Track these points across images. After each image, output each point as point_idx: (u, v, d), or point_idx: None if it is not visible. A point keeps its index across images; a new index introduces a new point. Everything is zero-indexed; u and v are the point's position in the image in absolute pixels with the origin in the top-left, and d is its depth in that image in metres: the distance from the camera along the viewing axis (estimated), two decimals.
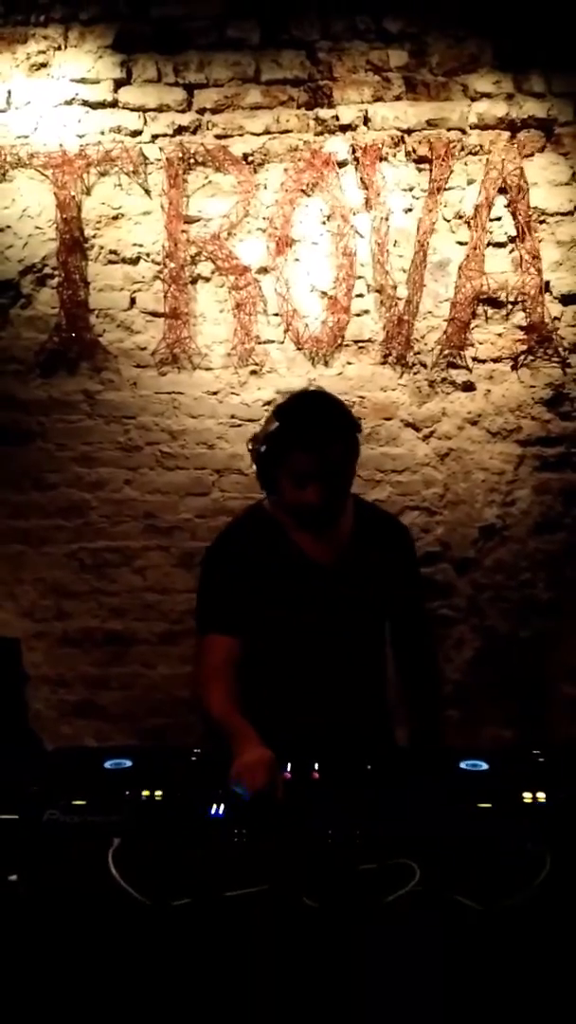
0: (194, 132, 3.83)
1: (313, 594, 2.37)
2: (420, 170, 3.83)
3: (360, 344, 3.89)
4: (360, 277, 3.86)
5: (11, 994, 1.56)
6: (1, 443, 3.96)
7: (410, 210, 3.84)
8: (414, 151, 3.81)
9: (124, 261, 3.89)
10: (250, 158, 3.83)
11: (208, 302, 3.89)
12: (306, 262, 3.86)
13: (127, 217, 3.87)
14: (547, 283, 3.86)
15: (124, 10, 3.80)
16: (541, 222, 3.84)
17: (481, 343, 3.88)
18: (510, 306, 3.87)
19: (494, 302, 3.87)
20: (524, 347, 3.87)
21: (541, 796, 1.95)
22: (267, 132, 3.82)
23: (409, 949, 1.55)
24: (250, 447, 2.37)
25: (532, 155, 3.82)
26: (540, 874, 1.68)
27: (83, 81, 3.82)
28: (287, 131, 3.82)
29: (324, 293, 3.87)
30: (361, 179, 3.83)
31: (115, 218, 3.87)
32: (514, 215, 3.82)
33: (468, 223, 3.83)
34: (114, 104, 3.83)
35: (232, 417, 3.90)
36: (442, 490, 3.94)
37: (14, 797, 1.96)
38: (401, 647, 2.57)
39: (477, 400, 3.90)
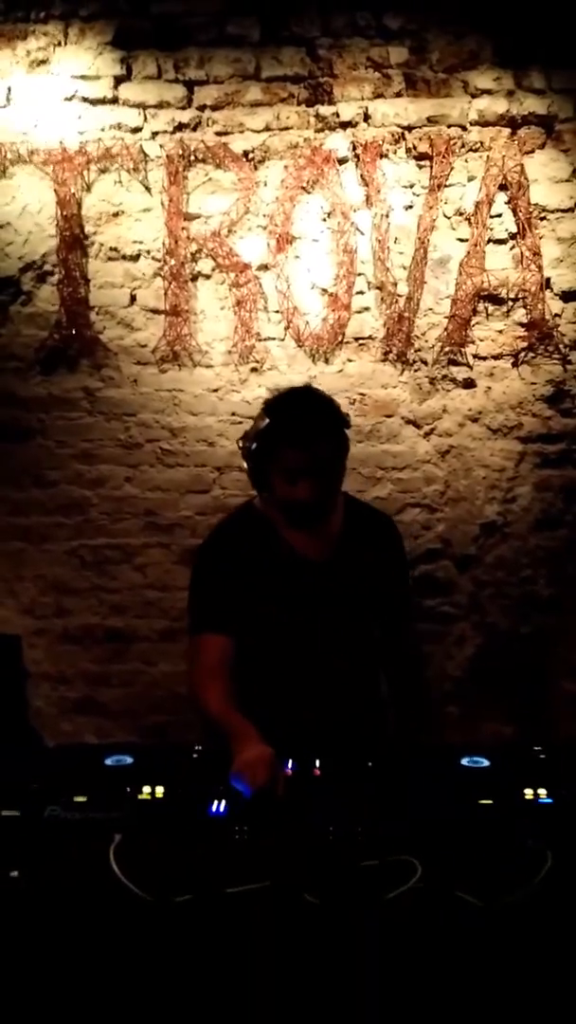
0: (194, 129, 3.83)
1: (304, 591, 2.38)
2: (420, 167, 3.83)
3: (361, 341, 3.89)
4: (361, 274, 3.85)
5: (14, 990, 1.56)
6: (1, 440, 3.96)
7: (411, 207, 3.84)
8: (414, 148, 3.81)
9: (124, 258, 3.89)
10: (250, 155, 3.82)
11: (209, 299, 3.89)
12: (307, 259, 3.86)
13: (127, 214, 3.87)
14: (548, 280, 3.85)
15: (124, 6, 3.80)
16: (542, 219, 3.83)
17: (482, 340, 3.88)
18: (511, 303, 3.87)
19: (495, 299, 3.86)
20: (525, 344, 3.86)
21: (542, 793, 1.96)
22: (267, 129, 3.82)
23: (410, 945, 1.55)
24: (240, 445, 2.37)
25: (532, 152, 3.82)
26: (541, 870, 1.68)
27: (83, 78, 3.82)
28: (287, 128, 3.82)
29: (325, 290, 3.86)
30: (361, 176, 3.82)
31: (115, 215, 3.87)
32: (515, 212, 3.82)
33: (469, 220, 3.83)
34: (114, 101, 3.83)
35: (233, 414, 3.90)
36: (443, 487, 3.94)
37: (15, 794, 1.96)
38: (384, 643, 2.57)
39: (478, 397, 3.90)
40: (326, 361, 3.88)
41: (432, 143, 3.79)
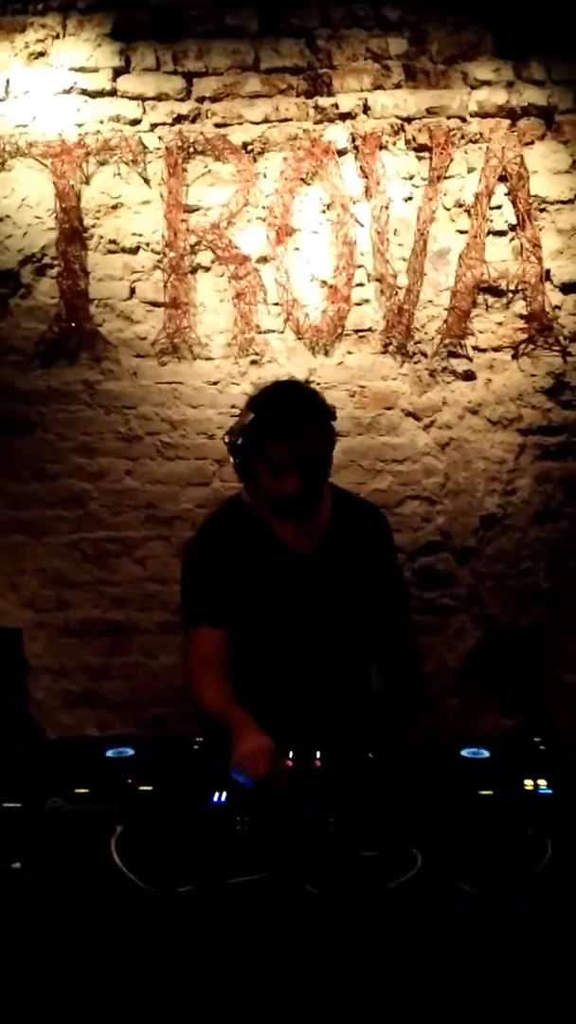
0: (193, 121, 3.82)
1: (294, 583, 2.38)
2: (420, 158, 3.82)
3: (360, 333, 3.88)
4: (360, 266, 3.85)
5: (16, 981, 1.57)
6: (1, 433, 3.96)
7: (410, 199, 3.83)
8: (414, 139, 3.80)
9: (124, 251, 3.89)
10: (249, 147, 3.82)
11: (208, 292, 3.89)
12: (306, 251, 3.85)
13: (126, 206, 3.86)
14: (547, 271, 3.85)
15: None
16: (541, 210, 3.83)
17: (482, 332, 3.88)
18: (510, 295, 3.86)
19: (494, 291, 3.86)
20: (525, 336, 3.86)
21: (542, 783, 1.96)
22: (266, 121, 3.81)
23: (410, 935, 1.56)
24: (226, 440, 2.37)
25: (532, 143, 3.81)
26: (541, 861, 1.68)
27: (82, 70, 3.81)
28: (286, 120, 3.81)
29: (324, 282, 3.86)
30: (361, 168, 3.82)
31: (114, 207, 3.86)
32: (514, 203, 3.81)
33: (468, 212, 3.82)
34: (113, 93, 3.82)
35: (232, 407, 3.90)
36: (443, 479, 3.94)
37: (17, 785, 1.97)
38: (379, 634, 2.57)
39: (478, 389, 3.90)
40: (326, 353, 3.88)
41: (432, 134, 3.79)
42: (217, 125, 3.82)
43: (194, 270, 3.87)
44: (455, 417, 3.91)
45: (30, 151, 3.82)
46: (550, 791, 1.94)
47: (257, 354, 3.88)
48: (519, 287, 3.85)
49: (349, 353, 3.89)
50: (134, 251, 3.88)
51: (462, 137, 3.80)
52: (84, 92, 3.82)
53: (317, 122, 3.81)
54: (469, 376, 3.89)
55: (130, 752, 2.17)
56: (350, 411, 3.88)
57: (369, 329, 3.88)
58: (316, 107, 3.81)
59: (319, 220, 3.84)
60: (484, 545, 3.97)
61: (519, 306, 3.86)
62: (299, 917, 1.57)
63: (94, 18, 3.80)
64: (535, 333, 3.85)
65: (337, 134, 3.81)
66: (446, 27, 3.78)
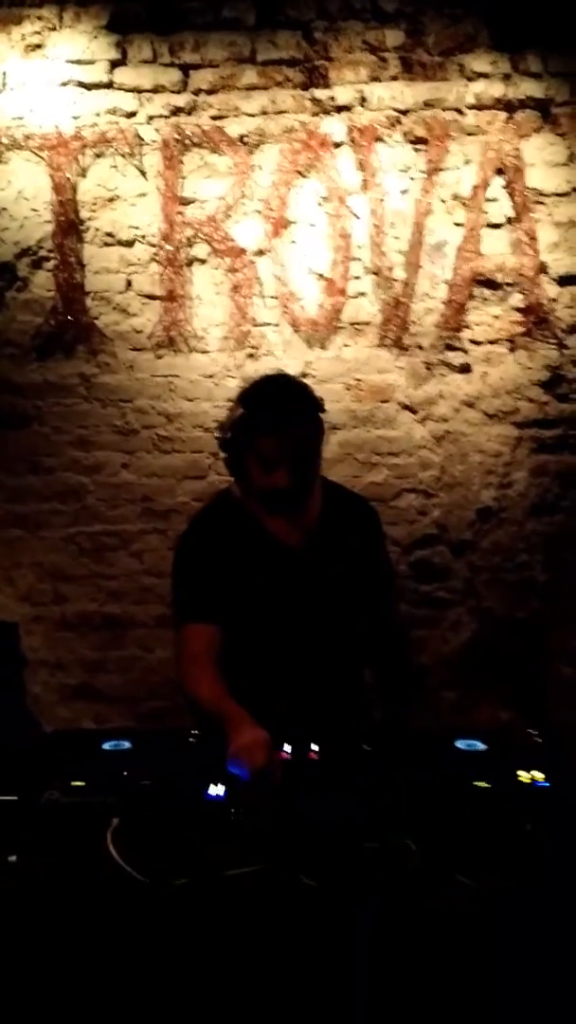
0: (190, 113, 3.81)
1: (285, 577, 2.38)
2: (417, 151, 3.82)
3: (357, 326, 3.88)
4: (357, 259, 3.85)
5: (12, 973, 1.57)
6: None
7: (407, 191, 3.83)
8: (411, 132, 3.80)
9: (120, 243, 3.88)
10: (246, 139, 3.81)
11: (204, 284, 3.88)
12: (302, 244, 3.85)
13: (123, 199, 3.85)
14: (544, 264, 3.85)
15: None
16: (538, 203, 3.83)
17: (478, 325, 3.88)
18: (507, 288, 3.86)
19: (491, 284, 3.86)
20: (521, 329, 3.86)
21: (538, 776, 1.96)
22: (263, 113, 3.80)
23: (406, 928, 1.56)
24: (216, 435, 2.37)
25: (529, 135, 3.81)
26: (537, 853, 1.69)
27: (78, 62, 3.80)
28: (283, 112, 3.80)
29: (321, 275, 3.86)
30: (358, 160, 3.81)
31: (111, 200, 3.86)
32: (511, 196, 3.81)
33: (465, 204, 3.82)
34: (109, 85, 3.81)
35: (228, 400, 3.82)
36: (439, 472, 3.94)
37: (13, 778, 1.97)
38: (370, 626, 2.57)
39: (474, 382, 3.90)
40: (322, 346, 3.88)
41: (428, 127, 3.78)
42: (213, 117, 3.81)
43: (190, 263, 3.87)
44: (451, 410, 3.91)
45: (26, 143, 3.81)
46: (546, 783, 1.94)
47: (253, 347, 3.87)
48: (516, 280, 3.84)
49: (345, 346, 3.89)
50: (130, 244, 3.88)
51: (459, 130, 3.80)
52: (80, 84, 3.81)
53: (314, 114, 3.80)
54: (465, 369, 3.89)
55: (127, 745, 2.17)
56: (346, 404, 3.88)
57: (366, 322, 3.88)
58: (313, 99, 3.80)
59: (316, 213, 3.84)
60: (480, 538, 3.97)
61: (516, 299, 3.86)
62: (295, 909, 1.58)
63: (90, 10, 3.79)
64: (531, 326, 3.85)
65: (334, 126, 3.80)
66: (443, 19, 3.78)
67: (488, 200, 3.81)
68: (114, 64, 3.81)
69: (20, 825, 1.81)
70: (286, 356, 3.87)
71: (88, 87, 3.81)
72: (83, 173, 3.84)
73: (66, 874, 1.66)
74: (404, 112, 3.80)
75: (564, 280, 3.86)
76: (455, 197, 3.83)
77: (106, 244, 3.88)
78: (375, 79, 3.80)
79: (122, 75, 3.81)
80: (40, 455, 3.96)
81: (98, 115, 3.82)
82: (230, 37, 3.79)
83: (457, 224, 3.84)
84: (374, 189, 3.80)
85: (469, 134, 3.80)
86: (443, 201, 3.83)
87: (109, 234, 3.87)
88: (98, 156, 3.83)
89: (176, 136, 3.79)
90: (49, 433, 3.95)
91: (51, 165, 3.81)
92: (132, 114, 3.82)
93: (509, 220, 3.84)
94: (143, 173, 3.84)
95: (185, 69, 3.81)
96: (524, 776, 1.96)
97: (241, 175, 3.80)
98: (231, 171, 3.82)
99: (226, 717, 2.12)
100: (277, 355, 3.88)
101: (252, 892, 1.59)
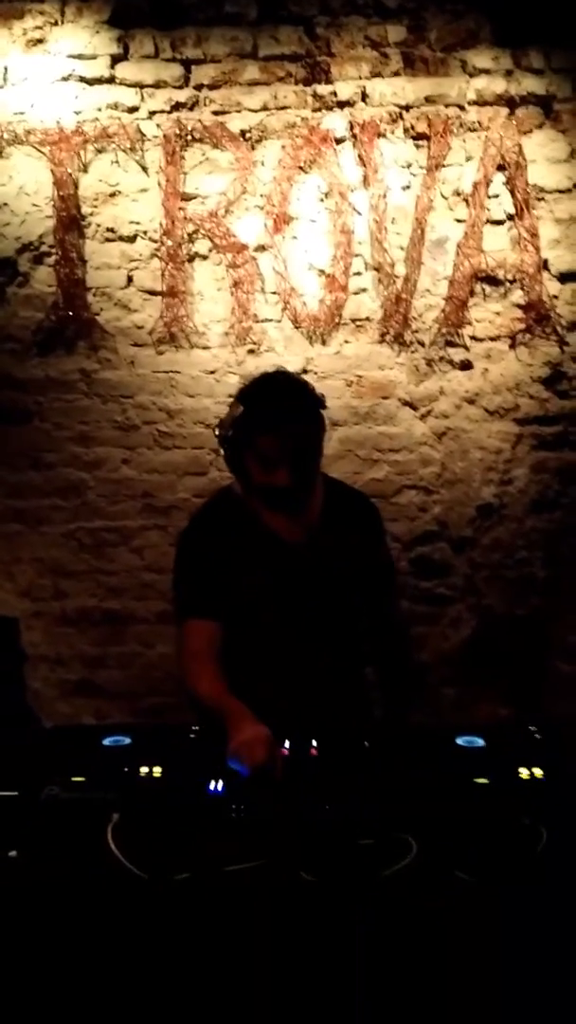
0: (191, 108, 3.81)
1: (286, 574, 2.38)
2: (418, 147, 3.81)
3: (358, 322, 3.88)
4: (358, 255, 3.84)
5: (12, 969, 1.58)
6: None
7: (408, 187, 3.83)
8: (412, 127, 3.80)
9: (121, 239, 3.88)
10: (247, 135, 3.81)
11: (206, 280, 3.88)
12: (304, 240, 3.85)
13: (124, 194, 3.85)
14: (545, 261, 3.85)
15: None
16: (539, 199, 3.82)
17: (479, 321, 3.87)
18: (508, 284, 3.86)
19: (492, 280, 3.86)
20: (522, 325, 3.86)
21: (538, 772, 1.96)
22: (265, 108, 3.80)
23: (405, 923, 1.56)
24: (217, 433, 2.36)
25: (531, 132, 3.81)
26: (536, 848, 1.69)
27: (80, 57, 3.80)
28: (285, 107, 3.80)
29: (322, 271, 3.85)
30: (359, 156, 3.81)
31: (112, 195, 3.85)
32: (512, 192, 3.81)
33: (466, 200, 3.82)
34: (111, 80, 3.81)
35: (230, 396, 3.80)
36: (439, 469, 3.94)
37: (13, 774, 1.97)
38: (371, 623, 2.57)
39: (475, 379, 3.90)
40: (323, 342, 3.88)
41: (430, 123, 3.78)
42: (215, 113, 3.81)
43: (192, 258, 3.87)
44: (452, 407, 3.91)
45: (28, 139, 3.80)
46: (545, 780, 1.95)
47: (255, 343, 3.87)
48: (517, 276, 3.84)
49: (346, 342, 3.88)
50: (132, 239, 3.87)
51: (460, 125, 3.79)
52: (82, 79, 3.80)
53: (315, 110, 3.80)
54: (466, 366, 3.89)
55: (127, 740, 2.17)
56: (347, 400, 3.88)
57: (367, 318, 3.88)
58: (314, 95, 3.79)
59: (317, 209, 3.84)
60: (480, 535, 3.97)
61: (517, 296, 3.86)
62: (295, 905, 1.58)
63: (92, 5, 3.78)
64: (532, 323, 3.85)
65: (335, 122, 3.80)
66: (445, 15, 3.77)
67: (489, 196, 3.81)
68: (116, 59, 3.80)
69: (20, 821, 1.82)
70: (287, 352, 3.87)
71: (90, 82, 3.81)
72: (84, 168, 3.83)
73: (66, 870, 1.66)
74: (406, 108, 3.79)
75: (565, 277, 3.86)
76: (456, 193, 3.82)
77: (107, 240, 3.88)
78: (377, 75, 3.80)
79: (124, 70, 3.81)
80: (41, 451, 3.96)
81: (99, 110, 3.81)
82: (232, 32, 3.79)
83: (458, 220, 3.83)
84: (375, 185, 3.79)
85: (471, 130, 3.80)
86: (444, 197, 3.83)
87: (110, 229, 3.87)
88: (99, 151, 3.83)
89: (177, 131, 3.79)
90: (50, 429, 3.95)
91: (52, 160, 3.80)
92: (134, 109, 3.81)
93: (510, 216, 3.83)
94: (144, 168, 3.83)
95: (187, 64, 3.80)
96: (524, 772, 1.97)
97: (243, 171, 3.80)
98: (232, 167, 3.81)
99: (227, 713, 2.13)
100: (278, 351, 3.87)
101: (252, 888, 1.59)
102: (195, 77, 3.80)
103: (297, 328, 3.87)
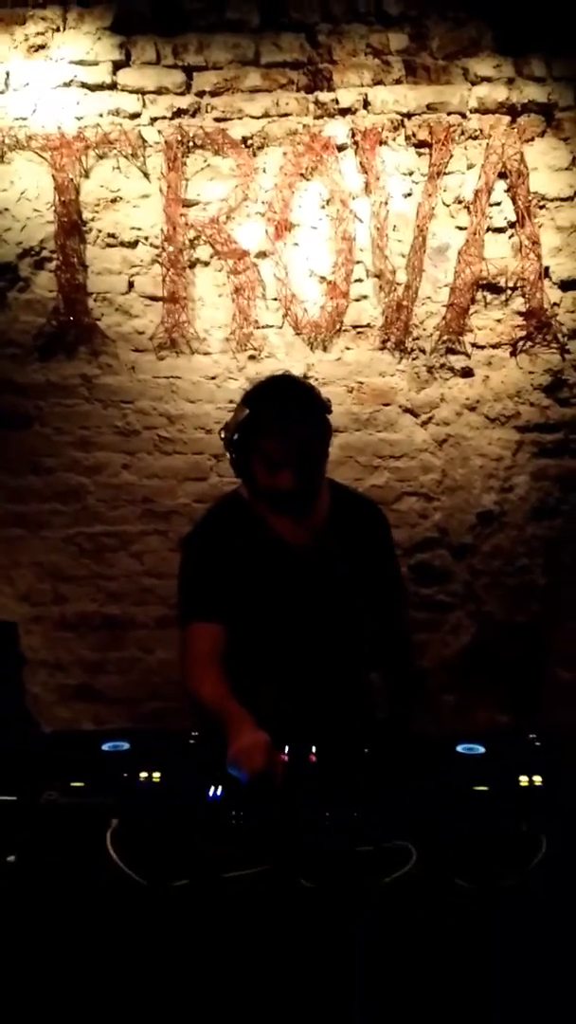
0: (193, 115, 3.82)
1: (291, 578, 2.38)
2: (420, 154, 3.82)
3: (359, 329, 3.88)
4: (359, 262, 3.85)
5: (11, 974, 1.57)
6: None
7: (409, 195, 3.83)
8: (414, 135, 3.80)
9: (122, 244, 3.88)
10: (249, 141, 3.81)
11: (207, 286, 3.88)
12: (305, 247, 3.85)
13: (125, 200, 3.85)
14: (546, 269, 3.85)
15: None
16: (541, 207, 3.83)
17: (480, 329, 3.88)
18: (509, 292, 3.86)
19: (493, 288, 3.86)
20: (523, 333, 3.86)
21: (537, 779, 1.96)
22: (266, 115, 3.81)
23: (405, 931, 1.56)
24: (222, 436, 2.36)
25: (532, 140, 3.81)
26: (536, 856, 1.69)
27: (82, 63, 3.80)
28: (286, 114, 3.81)
29: (323, 278, 3.86)
30: (360, 163, 3.81)
31: (113, 201, 3.86)
32: (514, 200, 3.81)
33: (468, 208, 3.82)
34: (113, 86, 3.82)
35: (230, 402, 3.89)
36: (440, 476, 3.94)
37: (12, 779, 1.96)
38: (376, 628, 2.57)
39: (476, 386, 3.90)
40: (324, 349, 3.88)
41: (432, 130, 3.78)
42: (217, 119, 3.81)
43: (193, 264, 3.87)
44: (453, 414, 3.91)
45: (29, 144, 3.81)
46: (545, 787, 1.94)
47: (255, 349, 3.87)
48: (518, 284, 3.85)
49: (347, 349, 3.89)
50: (133, 245, 3.88)
51: (462, 133, 3.80)
52: (84, 85, 3.81)
53: (317, 117, 3.80)
54: (467, 373, 3.90)
55: (126, 746, 2.17)
56: (348, 407, 3.88)
57: (367, 325, 3.88)
58: (316, 102, 3.80)
59: (318, 215, 3.84)
60: (481, 542, 3.97)
61: (518, 303, 3.86)
62: (294, 912, 1.58)
63: (94, 11, 3.79)
64: (533, 330, 3.85)
65: (337, 129, 3.81)
66: (447, 23, 3.78)
67: (491, 204, 3.81)
68: (117, 65, 3.81)
69: (19, 825, 1.81)
70: (288, 358, 3.87)
71: (91, 88, 3.81)
72: (86, 174, 3.84)
73: (65, 875, 1.66)
74: (407, 115, 3.80)
75: (566, 284, 3.86)
76: (458, 201, 3.83)
77: (108, 245, 3.88)
78: (379, 82, 3.80)
79: (125, 76, 3.82)
80: (41, 455, 3.96)
81: (101, 116, 3.82)
82: (234, 39, 3.80)
83: (459, 228, 3.84)
84: (377, 192, 3.80)
85: (472, 138, 3.81)
86: (446, 205, 3.83)
87: (112, 235, 3.87)
88: (101, 157, 3.84)
89: (179, 138, 3.79)
90: (50, 433, 3.95)
91: (54, 166, 3.81)
92: (135, 115, 3.82)
93: (511, 224, 3.84)
94: (146, 175, 3.84)
95: (189, 71, 3.81)
96: (523, 780, 1.96)
97: (244, 177, 3.80)
98: (234, 173, 3.82)
99: (227, 718, 2.12)
100: (279, 357, 3.88)
101: (251, 895, 1.59)
102: (197, 84, 3.81)
103: (298, 334, 3.87)
